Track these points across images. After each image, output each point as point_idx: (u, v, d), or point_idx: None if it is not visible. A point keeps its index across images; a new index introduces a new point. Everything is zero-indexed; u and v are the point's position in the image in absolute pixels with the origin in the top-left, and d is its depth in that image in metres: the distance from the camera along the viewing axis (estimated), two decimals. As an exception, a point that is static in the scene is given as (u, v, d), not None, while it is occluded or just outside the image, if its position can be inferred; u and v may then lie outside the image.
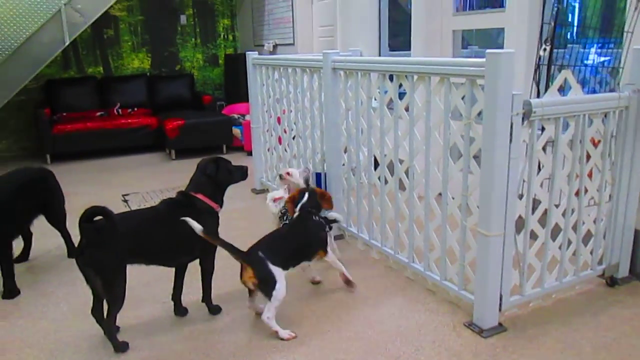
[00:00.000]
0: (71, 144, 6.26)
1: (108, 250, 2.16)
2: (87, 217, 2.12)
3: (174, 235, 2.35)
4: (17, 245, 3.21)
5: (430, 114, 2.54)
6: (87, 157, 6.42)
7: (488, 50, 2.06)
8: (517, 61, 2.09)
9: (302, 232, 2.63)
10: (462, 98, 2.32)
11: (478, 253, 2.30)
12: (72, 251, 3.35)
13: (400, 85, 2.73)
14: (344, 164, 3.41)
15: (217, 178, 2.52)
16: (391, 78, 2.80)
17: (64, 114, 6.58)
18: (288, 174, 3.19)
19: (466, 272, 2.47)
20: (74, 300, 2.77)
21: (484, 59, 2.09)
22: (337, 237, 3.45)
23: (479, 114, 2.22)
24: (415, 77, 2.59)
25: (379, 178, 3.03)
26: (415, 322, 2.46)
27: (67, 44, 5.77)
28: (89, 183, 5.22)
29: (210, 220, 2.47)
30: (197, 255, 2.49)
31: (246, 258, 2.36)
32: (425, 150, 2.60)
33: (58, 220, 3.30)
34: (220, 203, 2.56)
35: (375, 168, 3.09)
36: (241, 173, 2.64)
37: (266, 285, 2.32)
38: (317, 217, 2.69)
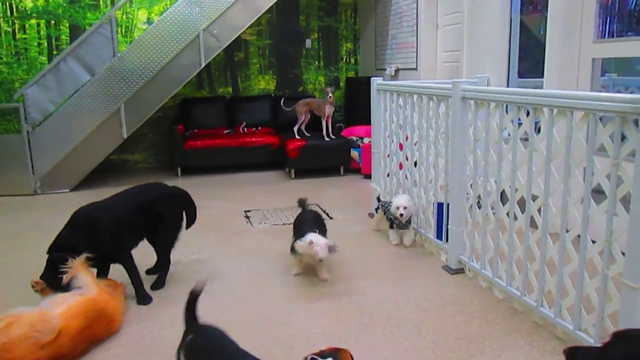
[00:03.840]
0: (200, 159, 6.69)
1: None
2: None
3: None
4: (152, 257, 3.46)
5: (570, 150, 2.38)
6: (213, 171, 6.82)
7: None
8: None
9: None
10: (610, 135, 2.15)
11: (622, 306, 2.09)
12: (157, 283, 3.32)
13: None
14: (468, 198, 3.30)
15: None
16: (526, 110, 2.67)
17: (195, 130, 7.05)
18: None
19: (605, 325, 2.25)
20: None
21: (639, 96, 1.92)
22: (457, 271, 3.35)
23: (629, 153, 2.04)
24: (555, 111, 2.44)
25: (507, 214, 2.89)
26: (544, 374, 2.29)
27: (202, 66, 6.20)
28: (215, 198, 5.52)
29: None
30: None
31: None
32: (563, 189, 2.43)
33: (164, 244, 3.31)
34: None
35: (502, 203, 2.95)
36: None
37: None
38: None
